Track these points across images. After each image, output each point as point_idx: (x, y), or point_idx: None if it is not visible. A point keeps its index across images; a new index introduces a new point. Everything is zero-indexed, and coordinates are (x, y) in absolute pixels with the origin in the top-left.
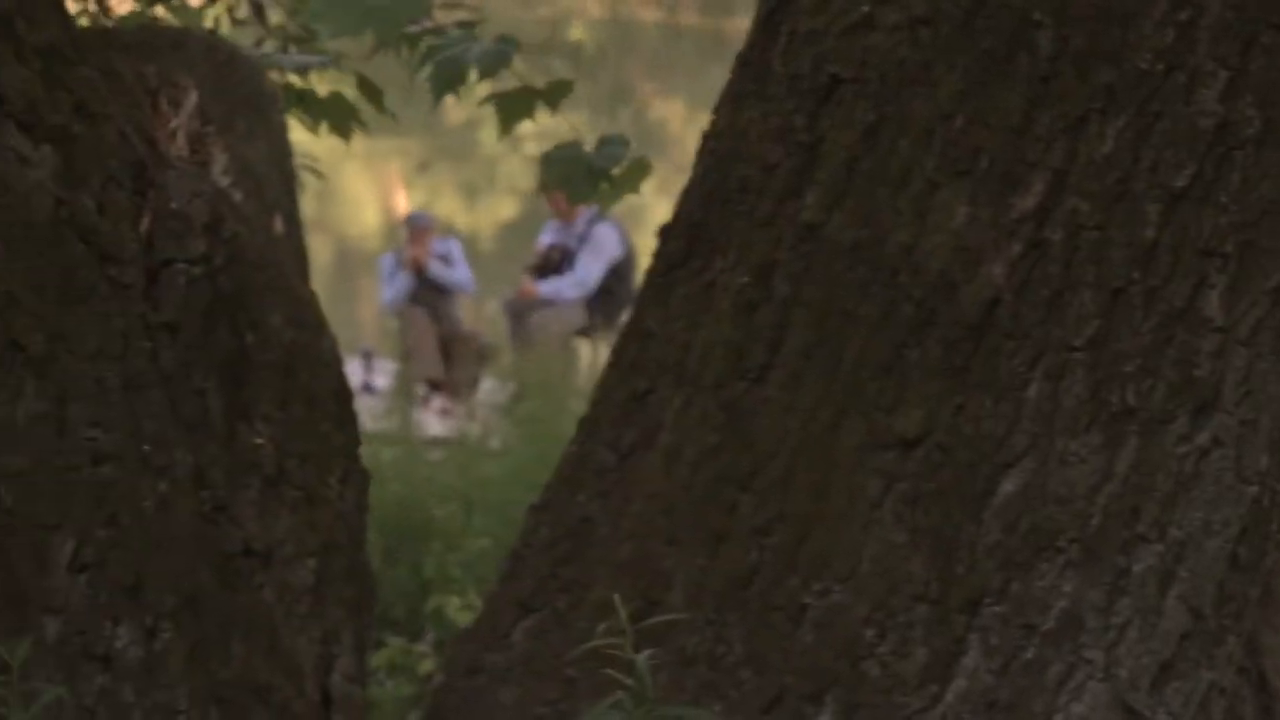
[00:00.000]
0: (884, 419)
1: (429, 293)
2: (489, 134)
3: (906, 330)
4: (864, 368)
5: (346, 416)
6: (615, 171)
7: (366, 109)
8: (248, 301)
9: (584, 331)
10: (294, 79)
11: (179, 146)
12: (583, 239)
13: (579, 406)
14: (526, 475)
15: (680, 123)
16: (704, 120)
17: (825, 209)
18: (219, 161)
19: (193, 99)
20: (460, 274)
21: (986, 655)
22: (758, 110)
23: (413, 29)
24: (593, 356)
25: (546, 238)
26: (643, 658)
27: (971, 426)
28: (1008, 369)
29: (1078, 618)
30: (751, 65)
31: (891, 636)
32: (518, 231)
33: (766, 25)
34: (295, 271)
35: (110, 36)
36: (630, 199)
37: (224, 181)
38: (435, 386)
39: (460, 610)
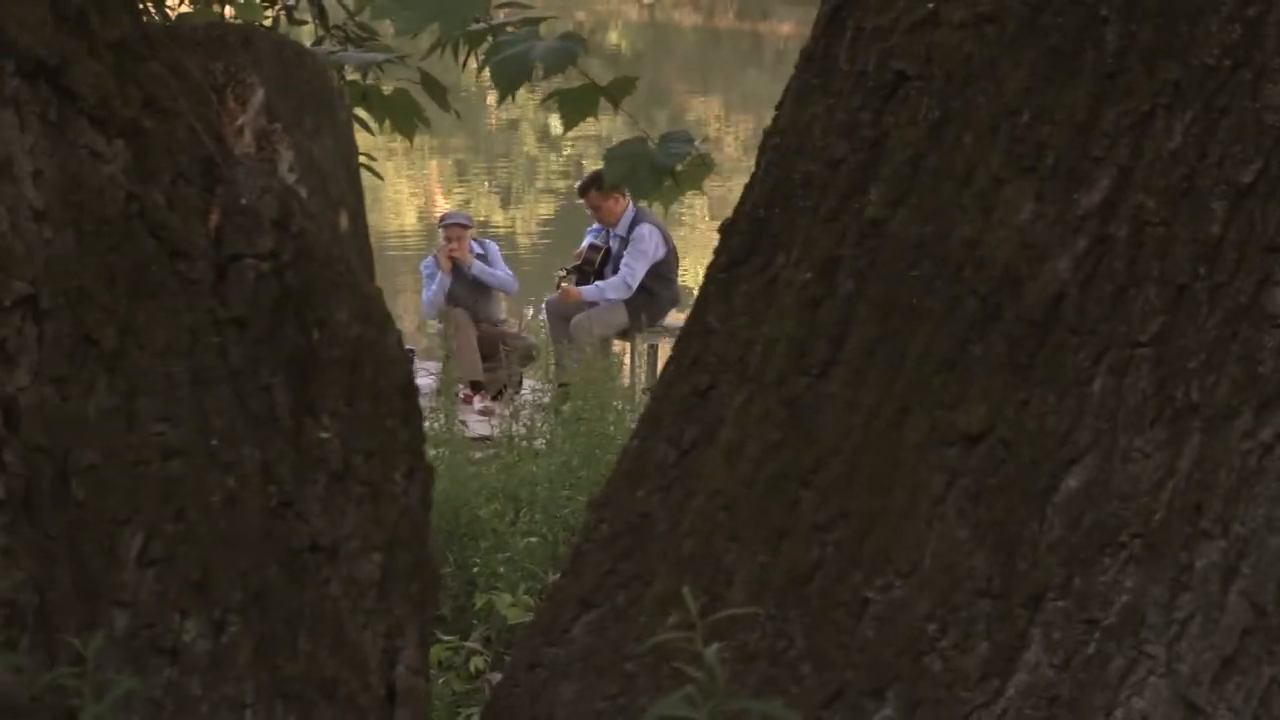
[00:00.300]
0: (947, 415)
1: (470, 293)
2: (527, 135)
3: (970, 326)
4: (928, 363)
5: (411, 412)
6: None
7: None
8: (314, 297)
9: (625, 332)
10: (357, 76)
11: (245, 143)
12: (624, 240)
13: (621, 406)
14: (571, 474)
15: (717, 124)
16: (740, 122)
17: (890, 205)
18: (285, 158)
19: (260, 96)
20: (503, 274)
21: (1048, 650)
22: (822, 106)
23: (474, 27)
24: (633, 357)
25: (587, 239)
26: (712, 650)
27: (1035, 422)
28: (1072, 365)
29: (1140, 613)
30: (816, 61)
31: (953, 631)
32: (554, 233)
33: (832, 21)
34: (360, 267)
35: (178, 33)
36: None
37: (290, 178)
38: (475, 387)
39: (510, 607)
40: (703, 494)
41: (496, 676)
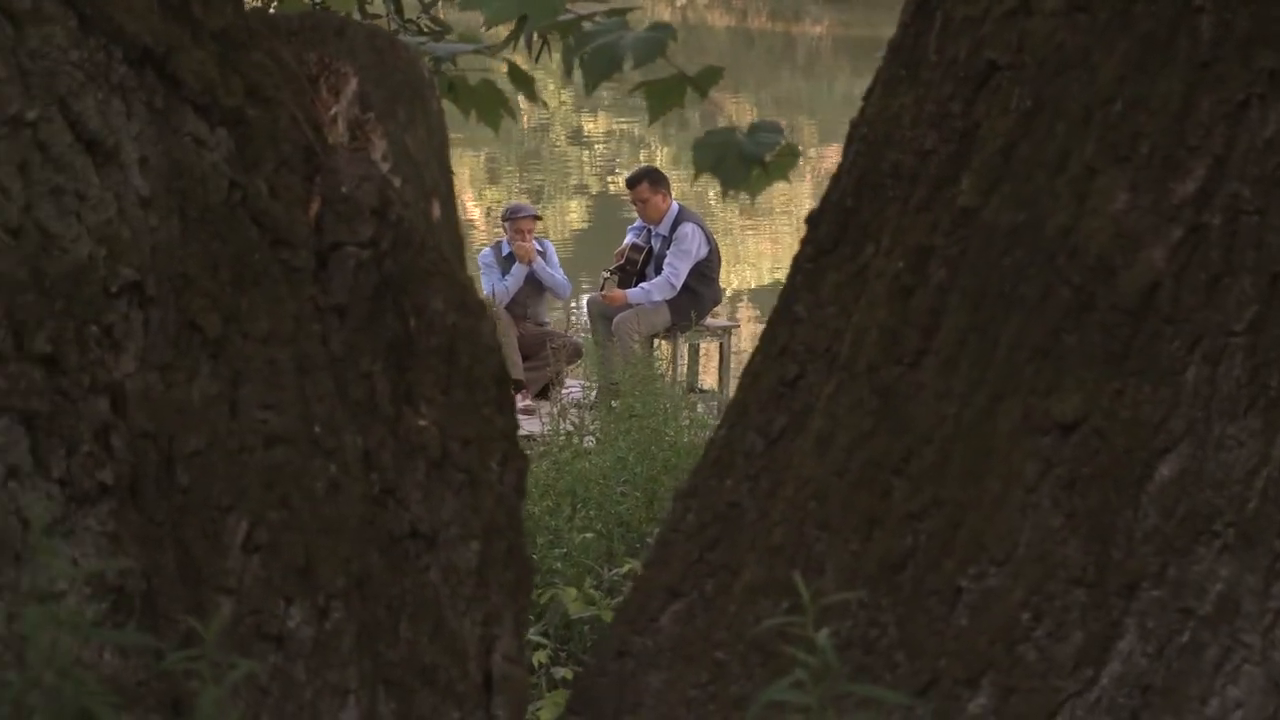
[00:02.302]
0: (1041, 403)
1: (523, 290)
2: (558, 135)
3: (1064, 314)
4: (1021, 352)
5: (505, 401)
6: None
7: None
8: (411, 285)
9: (667, 331)
10: (441, 66)
11: (339, 132)
12: (667, 240)
13: (667, 404)
14: (626, 470)
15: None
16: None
17: (982, 194)
18: (378, 148)
19: (353, 85)
20: (560, 276)
21: (1142, 639)
22: (910, 96)
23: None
24: (675, 356)
25: (629, 238)
26: (824, 634)
27: (1129, 411)
28: (1166, 353)
29: (1234, 602)
30: (904, 51)
31: (1048, 620)
32: (587, 233)
33: (919, 12)
34: (453, 256)
35: (273, 22)
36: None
37: (384, 167)
38: (516, 386)
39: (574, 602)
40: (792, 483)
41: (560, 671)
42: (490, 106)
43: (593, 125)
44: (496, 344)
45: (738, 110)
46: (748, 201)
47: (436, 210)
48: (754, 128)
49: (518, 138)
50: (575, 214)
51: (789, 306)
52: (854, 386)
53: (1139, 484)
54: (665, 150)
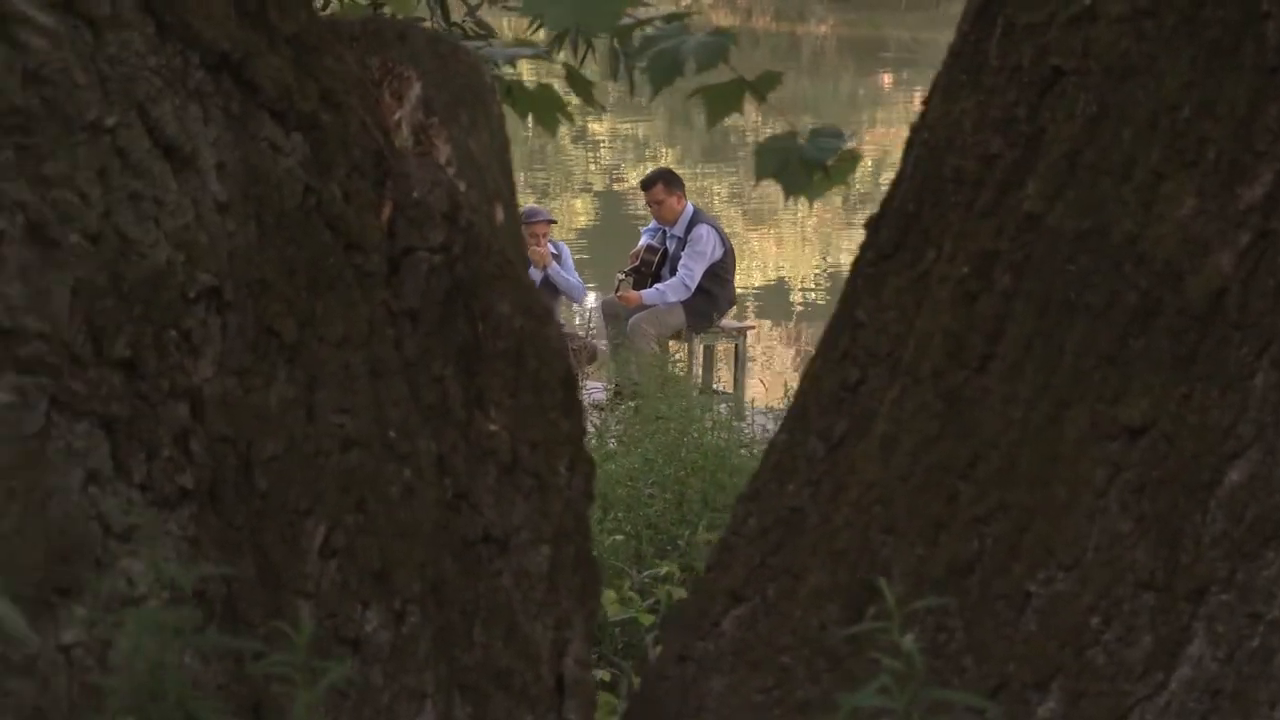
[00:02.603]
0: (1109, 409)
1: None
2: (562, 135)
3: (1131, 320)
4: (1087, 357)
5: (572, 404)
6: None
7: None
8: (479, 290)
9: (680, 333)
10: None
11: (403, 137)
12: (682, 241)
13: (685, 407)
14: (655, 472)
15: (753, 127)
16: (778, 125)
17: (1047, 199)
18: (442, 152)
19: (417, 90)
20: (575, 280)
21: (1212, 643)
22: (972, 101)
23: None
24: (691, 357)
25: (643, 240)
26: (910, 639)
27: (1197, 416)
28: (1235, 359)
29: None
30: (964, 57)
31: (1117, 624)
32: (590, 231)
33: (980, 17)
34: (518, 260)
35: (337, 27)
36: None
37: (448, 172)
38: None
39: (613, 603)
40: (856, 487)
41: (597, 672)
42: (548, 110)
43: (597, 126)
44: (563, 348)
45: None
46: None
47: (500, 214)
48: (815, 133)
49: (521, 137)
50: (582, 215)
51: (849, 311)
52: (918, 391)
53: (1208, 489)
54: (670, 151)
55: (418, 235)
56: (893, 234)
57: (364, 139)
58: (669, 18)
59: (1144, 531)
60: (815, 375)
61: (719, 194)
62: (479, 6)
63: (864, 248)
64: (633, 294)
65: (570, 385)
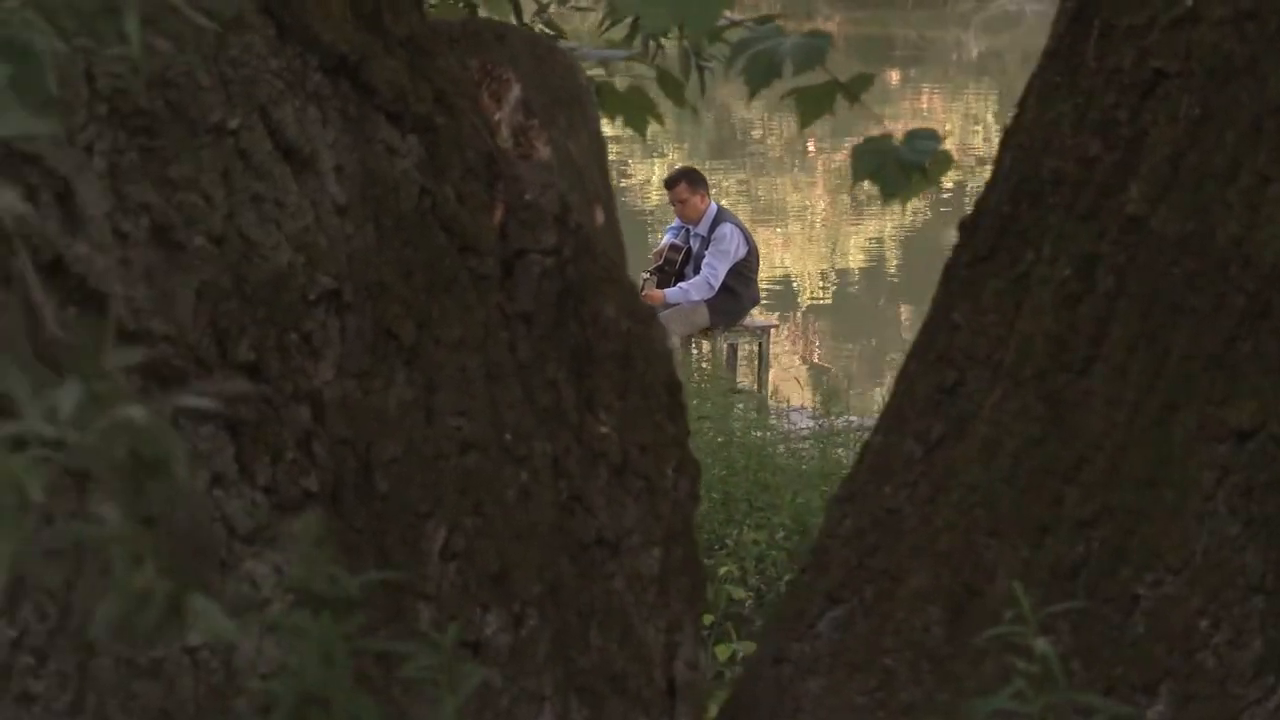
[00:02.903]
0: (1216, 411)
1: None
2: None
3: (1238, 323)
4: (1193, 360)
5: (676, 407)
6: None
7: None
8: (588, 292)
9: (705, 331)
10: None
11: (503, 139)
12: (705, 240)
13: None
14: (705, 471)
15: (761, 126)
16: (786, 122)
17: (1150, 202)
18: (542, 154)
19: (516, 92)
20: None
21: None
22: (1069, 104)
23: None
24: (715, 356)
25: (667, 238)
26: (1044, 642)
27: None
28: None
29: None
30: (1060, 59)
31: (1226, 628)
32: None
33: (1076, 20)
34: (620, 262)
35: (436, 29)
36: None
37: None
38: None
39: None
40: (957, 489)
41: None
42: (638, 111)
43: (605, 125)
44: (667, 350)
45: (749, 111)
46: (896, 204)
47: (600, 216)
48: (911, 135)
49: None
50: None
51: (945, 313)
52: (1020, 393)
53: None
54: (678, 151)
55: (530, 237)
56: (989, 236)
57: (476, 141)
58: (760, 19)
59: (1253, 534)
60: (910, 377)
61: (727, 190)
62: (547, 7)
63: (958, 250)
64: (656, 293)
65: (674, 388)
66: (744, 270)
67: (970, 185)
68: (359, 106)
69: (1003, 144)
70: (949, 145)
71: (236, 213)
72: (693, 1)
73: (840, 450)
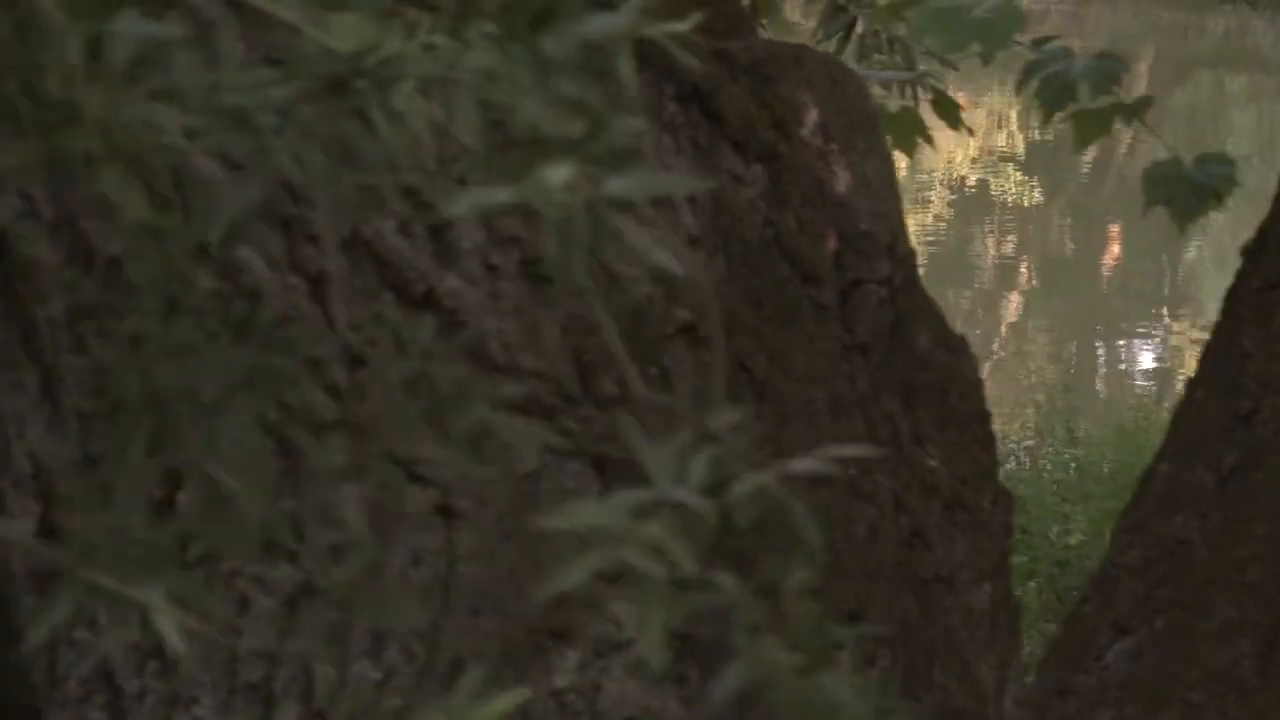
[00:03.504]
0: None
1: None
2: None
3: None
4: None
5: (988, 438)
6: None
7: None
8: (910, 323)
9: None
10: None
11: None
12: None
13: None
14: None
15: None
16: None
17: None
18: (842, 179)
19: (814, 116)
20: None
21: None
22: None
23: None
24: None
25: None
26: None
27: None
28: None
29: None
30: None
31: None
32: None
33: None
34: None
35: (729, 53)
36: None
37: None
38: None
39: None
40: (1264, 520)
41: None
42: (907, 133)
43: None
44: (978, 380)
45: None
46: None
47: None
48: (1202, 158)
49: None
50: None
51: (1234, 340)
52: None
53: None
54: None
55: (866, 267)
56: (1277, 262)
57: (812, 168)
58: (1038, 41)
59: None
60: (1198, 405)
61: None
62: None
63: (1242, 275)
64: None
65: (985, 418)
66: None
67: (992, 184)
68: (709, 135)
69: None
70: (973, 145)
71: (598, 245)
72: (982, 24)
73: None
